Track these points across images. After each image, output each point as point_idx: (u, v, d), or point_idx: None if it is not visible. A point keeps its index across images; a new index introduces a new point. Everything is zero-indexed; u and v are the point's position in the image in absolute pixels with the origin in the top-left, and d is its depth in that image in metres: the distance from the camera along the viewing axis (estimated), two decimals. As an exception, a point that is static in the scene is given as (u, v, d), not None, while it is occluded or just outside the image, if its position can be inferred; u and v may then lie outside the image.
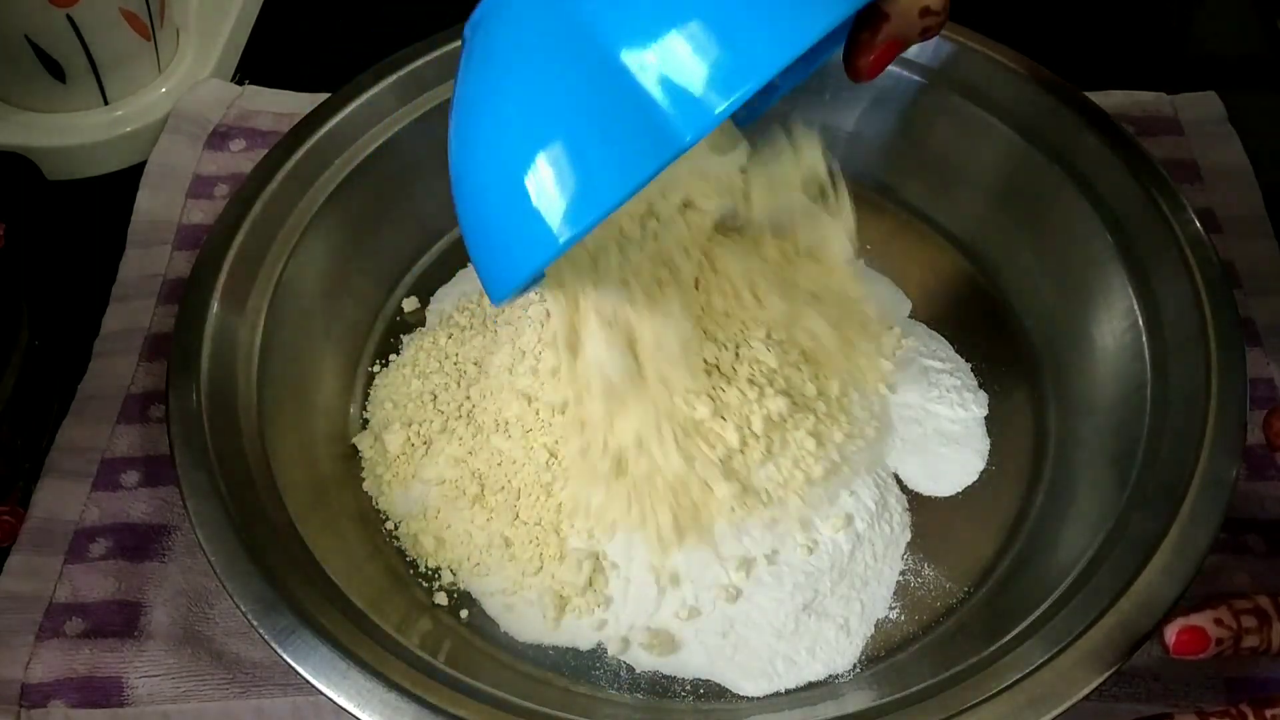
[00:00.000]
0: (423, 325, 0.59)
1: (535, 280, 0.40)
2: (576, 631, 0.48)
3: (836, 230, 0.51)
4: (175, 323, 0.51)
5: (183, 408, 0.48)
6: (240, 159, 0.66)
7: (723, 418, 0.47)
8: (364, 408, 0.56)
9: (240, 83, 0.70)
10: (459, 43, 0.60)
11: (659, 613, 0.48)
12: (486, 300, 0.56)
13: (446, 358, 0.55)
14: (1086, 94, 0.58)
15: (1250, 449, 0.47)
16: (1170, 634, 0.40)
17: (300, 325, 0.54)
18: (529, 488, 0.49)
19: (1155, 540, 0.44)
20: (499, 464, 0.50)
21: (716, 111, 0.33)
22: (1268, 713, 0.39)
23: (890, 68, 0.60)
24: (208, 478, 0.46)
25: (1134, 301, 0.52)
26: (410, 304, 0.59)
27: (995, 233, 0.60)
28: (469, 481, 0.51)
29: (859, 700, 0.45)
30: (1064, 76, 0.58)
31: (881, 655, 0.48)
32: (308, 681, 0.42)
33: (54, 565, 0.51)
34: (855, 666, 0.48)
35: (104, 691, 0.48)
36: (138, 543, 0.52)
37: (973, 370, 0.56)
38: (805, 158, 0.48)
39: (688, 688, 0.47)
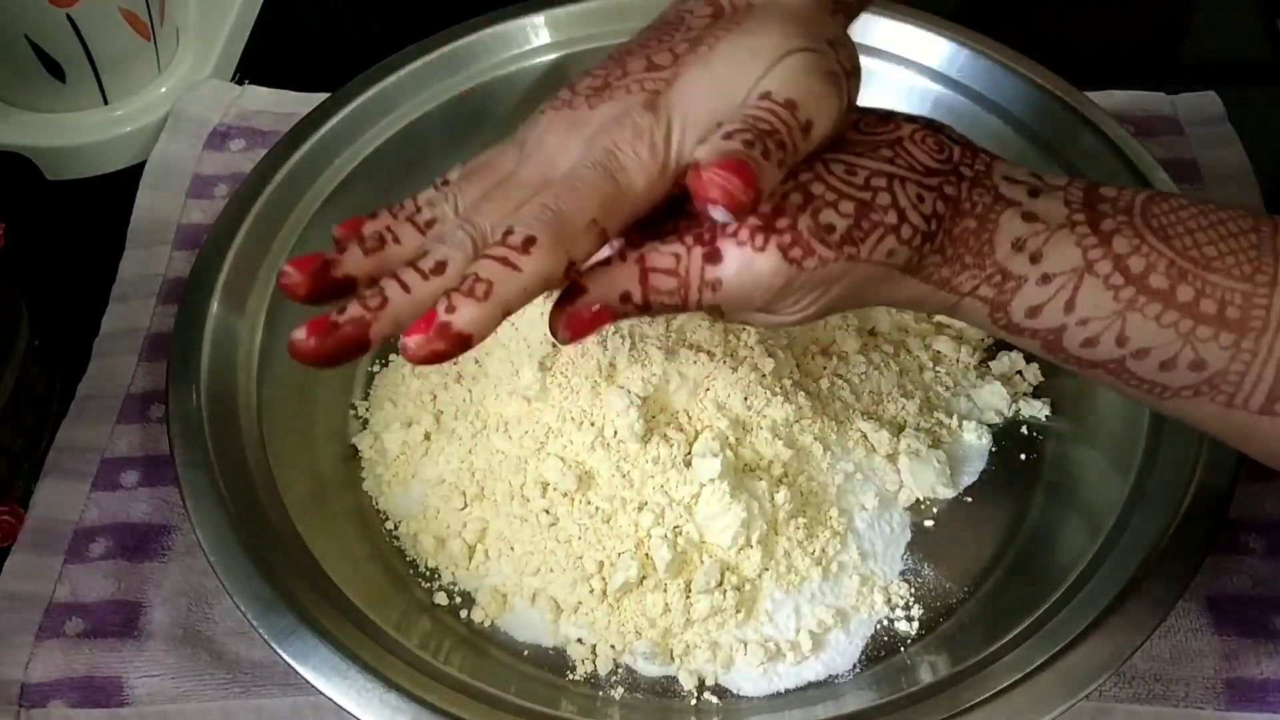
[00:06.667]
0: (423, 325, 0.58)
1: None
2: (575, 632, 0.48)
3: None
4: (175, 323, 0.51)
5: (183, 408, 0.48)
6: (240, 159, 0.66)
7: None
8: (364, 408, 0.56)
9: (240, 83, 0.70)
10: (459, 42, 0.60)
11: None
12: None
13: (446, 358, 0.55)
14: (1086, 94, 0.58)
15: (1250, 449, 0.47)
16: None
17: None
18: (529, 487, 0.49)
19: (1155, 540, 0.45)
20: (499, 464, 0.50)
21: None
22: None
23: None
24: (208, 478, 0.46)
25: (1134, 301, 0.52)
26: (410, 304, 0.59)
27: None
28: (469, 481, 0.51)
29: (859, 700, 0.45)
30: (1064, 76, 0.58)
31: (881, 655, 0.48)
32: (308, 681, 0.42)
33: (54, 565, 0.51)
34: (855, 666, 0.48)
35: (104, 691, 0.47)
36: (138, 543, 0.52)
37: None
38: None
39: (688, 688, 0.47)
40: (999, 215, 0.36)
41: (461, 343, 0.32)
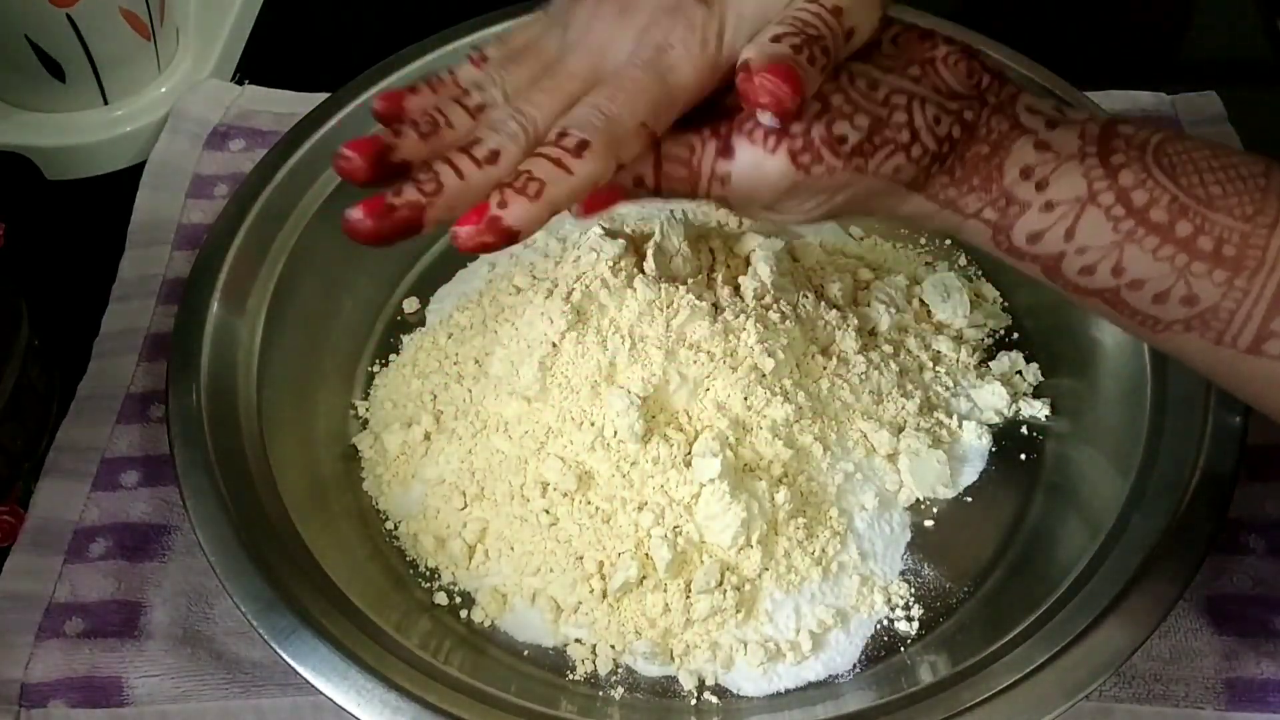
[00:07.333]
0: (423, 325, 0.59)
1: None
2: (575, 632, 0.48)
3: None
4: (175, 323, 0.51)
5: (183, 408, 0.48)
6: (240, 159, 0.65)
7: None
8: (364, 408, 0.56)
9: (240, 83, 0.70)
10: (459, 43, 0.60)
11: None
12: (487, 300, 0.57)
13: (446, 358, 0.55)
14: (1086, 94, 0.58)
15: (1250, 449, 0.47)
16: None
17: (300, 325, 0.54)
18: (529, 487, 0.49)
19: (1155, 540, 0.45)
20: (499, 464, 0.50)
21: None
22: None
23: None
24: (208, 478, 0.46)
25: (1134, 301, 0.52)
26: (410, 304, 0.59)
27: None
28: (469, 481, 0.51)
29: (859, 700, 0.45)
30: (1064, 76, 0.58)
31: (881, 655, 0.48)
32: (308, 681, 0.42)
33: (54, 565, 0.51)
34: (855, 666, 0.48)
35: (104, 691, 0.48)
36: (137, 542, 0.52)
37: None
38: None
39: (688, 688, 0.47)
40: (1012, 143, 0.37)
41: (510, 236, 0.33)
